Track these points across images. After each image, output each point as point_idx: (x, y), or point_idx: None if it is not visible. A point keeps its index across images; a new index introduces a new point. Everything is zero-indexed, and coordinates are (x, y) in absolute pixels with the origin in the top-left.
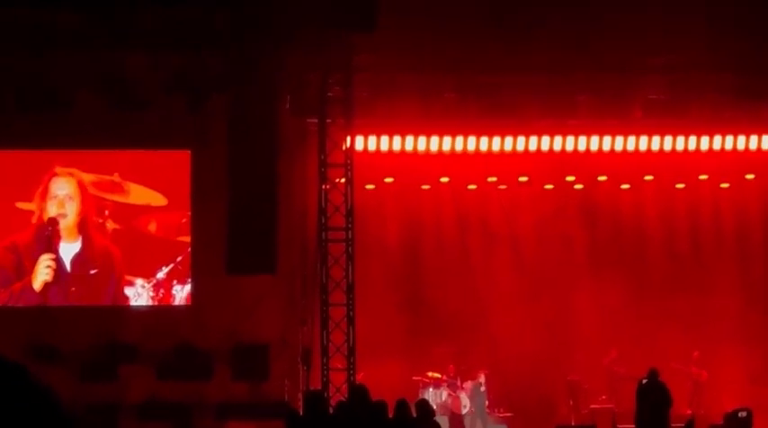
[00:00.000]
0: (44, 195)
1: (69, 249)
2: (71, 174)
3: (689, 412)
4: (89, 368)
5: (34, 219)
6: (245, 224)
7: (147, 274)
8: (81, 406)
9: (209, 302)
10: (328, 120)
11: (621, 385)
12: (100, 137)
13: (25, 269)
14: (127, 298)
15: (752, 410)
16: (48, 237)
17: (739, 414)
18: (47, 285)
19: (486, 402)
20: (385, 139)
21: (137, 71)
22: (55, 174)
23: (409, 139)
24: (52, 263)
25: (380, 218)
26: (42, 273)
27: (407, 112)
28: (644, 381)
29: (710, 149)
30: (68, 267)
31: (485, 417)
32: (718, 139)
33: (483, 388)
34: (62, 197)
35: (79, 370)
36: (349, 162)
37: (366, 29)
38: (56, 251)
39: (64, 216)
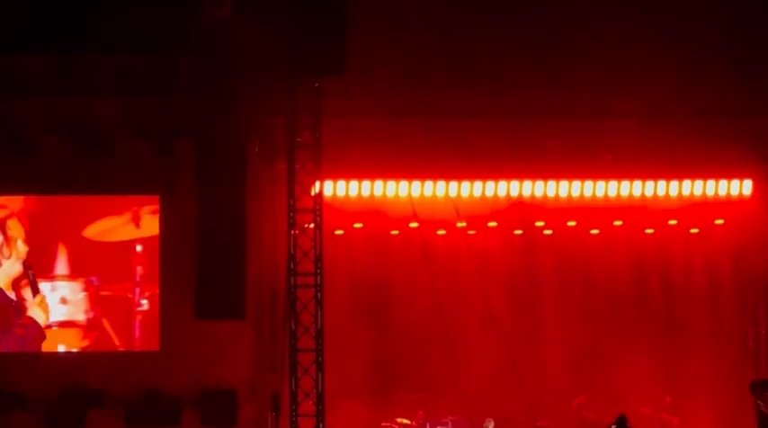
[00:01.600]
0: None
1: None
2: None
3: None
4: (56, 414)
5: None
6: (214, 268)
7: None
8: None
9: (177, 347)
10: (297, 166)
11: None
12: (67, 182)
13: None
14: None
15: None
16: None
17: None
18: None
19: None
20: (354, 184)
21: (103, 116)
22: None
23: (378, 184)
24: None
25: (349, 264)
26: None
27: (376, 157)
28: (612, 427)
29: (680, 194)
30: None
31: None
32: (687, 184)
33: None
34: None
35: (46, 417)
36: (318, 207)
37: (335, 73)
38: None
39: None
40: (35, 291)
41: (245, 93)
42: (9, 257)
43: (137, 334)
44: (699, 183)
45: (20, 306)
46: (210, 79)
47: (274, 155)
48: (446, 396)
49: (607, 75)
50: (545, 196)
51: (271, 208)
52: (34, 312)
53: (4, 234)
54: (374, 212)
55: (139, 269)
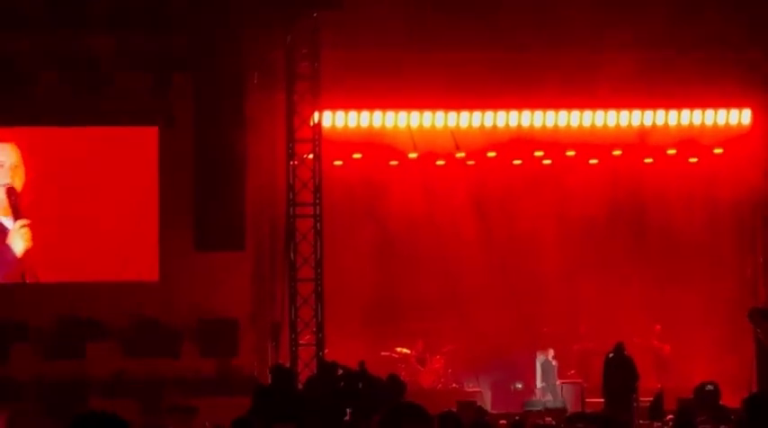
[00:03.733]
0: None
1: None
2: (13, 140)
3: (658, 386)
4: (55, 345)
5: None
6: (213, 200)
7: None
8: (47, 384)
9: (176, 279)
10: (296, 96)
11: (589, 359)
12: (65, 115)
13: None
14: None
15: (717, 383)
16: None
17: (706, 388)
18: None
19: (571, 373)
20: (353, 115)
21: (100, 50)
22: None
23: (377, 115)
24: (27, 229)
25: (348, 194)
26: (23, 236)
27: (375, 88)
28: (610, 355)
29: (678, 124)
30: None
31: (555, 391)
32: (686, 114)
33: (554, 362)
34: (8, 165)
35: (45, 348)
36: (317, 138)
37: (333, 6)
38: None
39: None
40: (16, 217)
41: (244, 24)
42: None
43: None
44: (698, 113)
45: None
46: (208, 11)
47: (273, 86)
48: (445, 326)
49: (604, 7)
50: (544, 126)
51: (269, 139)
52: (13, 239)
53: None
54: (373, 143)
55: None
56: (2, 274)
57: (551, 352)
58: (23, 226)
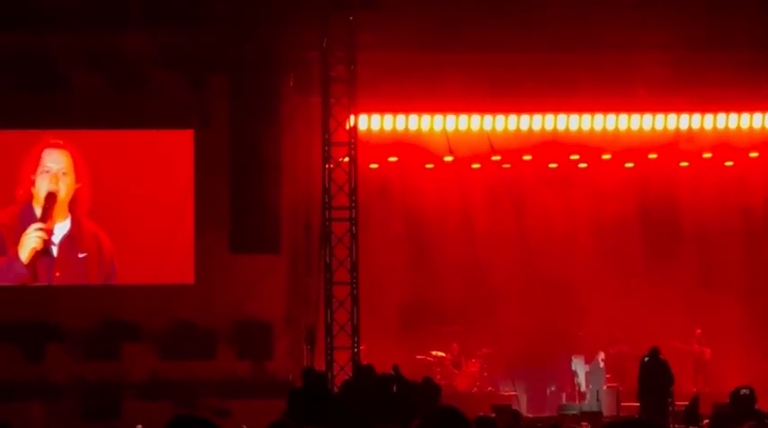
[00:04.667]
0: (34, 168)
1: (56, 230)
2: (64, 147)
3: (694, 389)
4: (92, 346)
5: (20, 194)
6: (249, 203)
7: None
8: (84, 385)
9: (212, 281)
10: (332, 100)
11: (625, 363)
12: (100, 116)
13: (7, 246)
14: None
15: (753, 388)
16: (42, 213)
17: (741, 392)
18: (36, 255)
19: (607, 377)
20: (389, 118)
21: (136, 50)
22: (48, 146)
23: (413, 118)
24: (42, 233)
25: (384, 197)
26: (31, 241)
27: (411, 91)
28: (645, 359)
29: (714, 127)
30: (55, 250)
31: (602, 395)
32: (722, 117)
33: (602, 365)
34: (55, 171)
35: (82, 349)
36: (353, 141)
37: (370, 6)
38: (51, 233)
39: (56, 193)
40: (44, 221)
41: (280, 26)
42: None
43: None
44: (733, 116)
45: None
46: (244, 12)
47: (309, 88)
48: (480, 329)
49: (640, 9)
50: (580, 130)
51: (305, 141)
52: (25, 242)
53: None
54: (409, 146)
55: None
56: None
57: (602, 355)
58: (39, 229)
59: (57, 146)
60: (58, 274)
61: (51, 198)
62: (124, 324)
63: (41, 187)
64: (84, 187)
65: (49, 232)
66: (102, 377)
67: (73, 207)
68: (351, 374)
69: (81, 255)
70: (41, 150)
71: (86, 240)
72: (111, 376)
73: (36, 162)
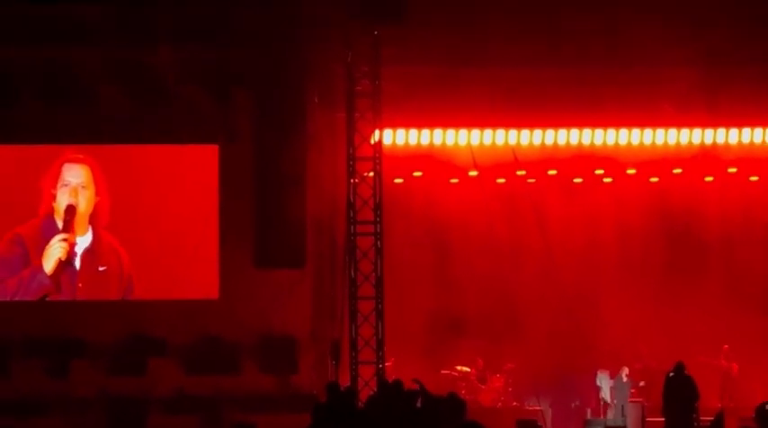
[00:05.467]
0: (54, 182)
1: (80, 242)
2: (83, 161)
3: (719, 405)
4: (117, 361)
5: (42, 208)
6: (274, 218)
7: None
8: (109, 400)
9: (237, 295)
10: (356, 114)
11: (650, 378)
12: (125, 130)
13: (31, 258)
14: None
15: None
16: (64, 225)
17: (766, 408)
18: (61, 265)
19: (631, 391)
20: (413, 133)
21: (161, 65)
22: (67, 160)
23: (438, 133)
24: (66, 244)
25: (409, 212)
26: (56, 252)
27: (436, 106)
28: (671, 375)
29: (739, 142)
30: (77, 262)
31: (627, 410)
32: (747, 132)
33: (626, 380)
34: (75, 185)
35: (107, 364)
36: (377, 156)
37: (394, 21)
38: (73, 243)
39: (76, 206)
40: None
41: (305, 41)
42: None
43: None
44: (759, 131)
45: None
46: (269, 27)
47: (334, 103)
48: (505, 344)
49: (665, 24)
50: (605, 144)
51: (330, 156)
52: (49, 253)
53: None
54: (433, 161)
55: None
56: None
57: (626, 370)
58: (63, 240)
59: (76, 160)
60: (80, 285)
61: (71, 210)
62: (149, 339)
63: (62, 201)
64: (103, 201)
65: (72, 243)
66: (128, 392)
67: (93, 220)
68: (376, 389)
69: (101, 269)
70: (61, 164)
71: (106, 254)
72: (136, 391)
73: (56, 176)
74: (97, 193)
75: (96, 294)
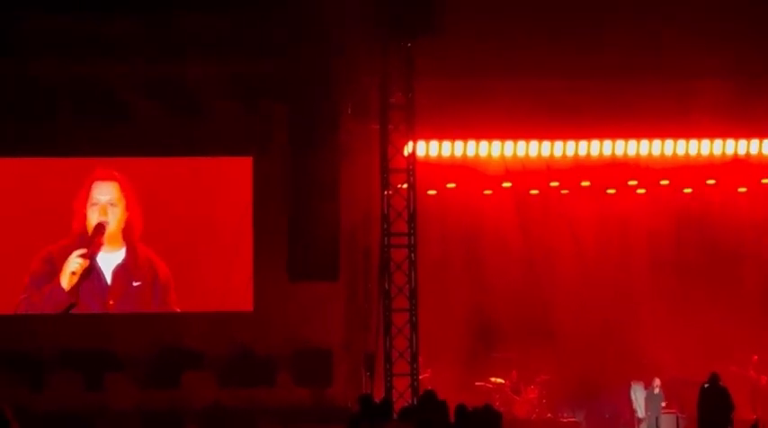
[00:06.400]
0: (84, 202)
1: (110, 259)
2: (113, 178)
3: (753, 416)
4: (152, 374)
5: (75, 227)
6: (307, 231)
7: None
8: (143, 413)
9: (271, 309)
10: (390, 126)
11: (683, 390)
12: (159, 144)
13: (59, 277)
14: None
15: None
16: (87, 242)
17: None
18: (78, 281)
19: (663, 404)
20: (447, 144)
21: (194, 78)
22: (97, 178)
23: (471, 144)
24: (82, 260)
25: (442, 224)
26: (70, 266)
27: (469, 117)
28: (705, 386)
29: None
30: (108, 279)
31: (660, 421)
32: None
33: (657, 391)
34: (104, 203)
35: (141, 377)
36: (411, 167)
37: (428, 33)
38: (92, 258)
39: (107, 223)
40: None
41: (338, 53)
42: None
43: None
44: None
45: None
46: (303, 40)
47: (367, 115)
48: (539, 356)
49: (699, 34)
50: (638, 155)
51: (363, 168)
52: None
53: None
54: (467, 172)
55: None
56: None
57: (657, 382)
58: (80, 255)
59: (106, 177)
60: (111, 302)
61: (100, 228)
62: (184, 351)
63: (92, 219)
64: (136, 216)
65: (91, 257)
66: (163, 405)
67: (127, 236)
68: (410, 400)
69: (135, 284)
70: (91, 183)
71: (141, 269)
72: (171, 404)
73: (87, 195)
74: (127, 209)
75: (131, 308)
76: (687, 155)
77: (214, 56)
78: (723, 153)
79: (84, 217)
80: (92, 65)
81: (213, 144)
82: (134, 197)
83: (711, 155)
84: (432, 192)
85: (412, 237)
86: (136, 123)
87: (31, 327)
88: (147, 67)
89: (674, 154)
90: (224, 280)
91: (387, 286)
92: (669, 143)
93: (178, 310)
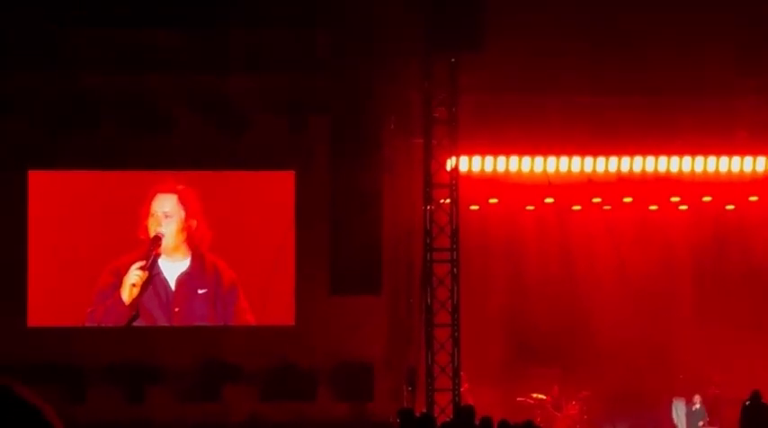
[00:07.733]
0: (146, 214)
1: (174, 268)
2: (173, 190)
3: None
4: (192, 388)
5: (138, 239)
6: (349, 245)
7: None
8: (183, 427)
9: (312, 322)
10: (433, 141)
11: (723, 407)
12: (201, 158)
13: (120, 291)
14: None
15: None
16: (149, 255)
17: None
18: (138, 293)
19: (706, 419)
20: (489, 160)
21: (237, 92)
22: (158, 192)
23: (513, 160)
24: (140, 272)
25: (485, 239)
26: (130, 279)
27: (512, 133)
28: (747, 403)
29: None
30: (173, 286)
31: None
32: None
33: (697, 406)
34: (160, 215)
35: (181, 391)
36: (454, 183)
37: (472, 48)
38: (155, 268)
39: (163, 235)
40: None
41: (381, 68)
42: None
43: None
44: None
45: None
46: (346, 54)
47: (410, 130)
48: (581, 372)
49: (740, 53)
50: (680, 172)
51: (406, 183)
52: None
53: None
54: (509, 187)
55: None
56: (156, 314)
57: (698, 398)
58: (138, 268)
59: (165, 189)
60: (177, 309)
61: (156, 241)
62: (224, 365)
63: (151, 231)
64: (200, 225)
65: (149, 268)
66: (203, 418)
67: (191, 245)
68: (451, 416)
69: (201, 291)
70: (153, 196)
71: (207, 277)
72: (211, 417)
73: (148, 208)
74: (187, 219)
75: (195, 316)
76: (729, 171)
77: (258, 69)
78: (766, 169)
79: (146, 228)
80: (136, 78)
81: (256, 157)
82: (192, 208)
83: (754, 171)
84: (474, 207)
85: (454, 252)
86: (179, 136)
87: (82, 339)
88: (191, 80)
89: (717, 170)
90: (266, 293)
91: (429, 301)
92: (712, 160)
93: (251, 319)
